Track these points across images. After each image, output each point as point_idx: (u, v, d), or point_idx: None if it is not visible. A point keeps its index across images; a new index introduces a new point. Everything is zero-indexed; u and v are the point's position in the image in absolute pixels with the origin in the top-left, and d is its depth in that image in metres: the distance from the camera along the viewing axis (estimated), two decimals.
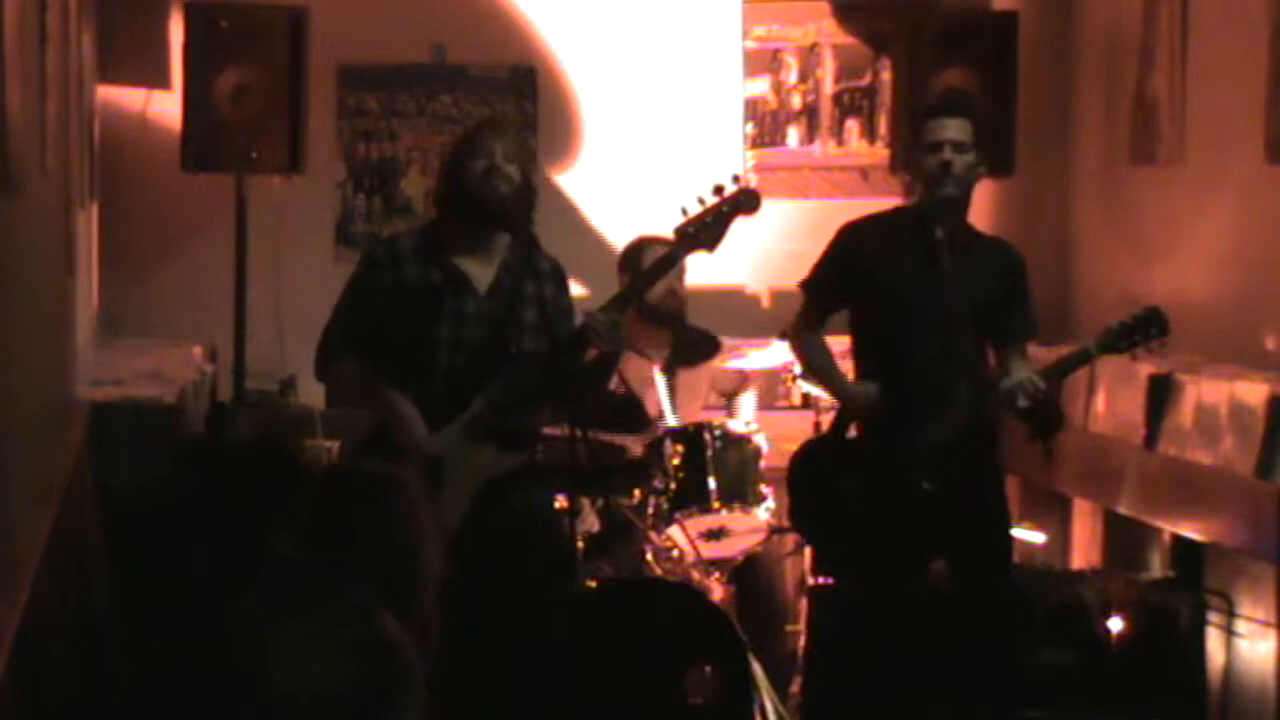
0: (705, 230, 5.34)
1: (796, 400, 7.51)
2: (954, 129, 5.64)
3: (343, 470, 5.07)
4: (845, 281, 5.81)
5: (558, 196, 8.26)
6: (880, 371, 5.77)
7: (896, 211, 5.88)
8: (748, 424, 6.76)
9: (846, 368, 5.97)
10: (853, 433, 5.84)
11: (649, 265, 5.54)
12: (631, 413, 6.68)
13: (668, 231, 5.50)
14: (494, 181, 5.31)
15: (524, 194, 5.37)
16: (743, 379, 7.17)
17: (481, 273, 5.38)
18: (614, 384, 6.75)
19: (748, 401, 7.10)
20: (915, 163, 5.73)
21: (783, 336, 6.95)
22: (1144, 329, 5.60)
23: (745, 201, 5.39)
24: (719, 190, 5.35)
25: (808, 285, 5.94)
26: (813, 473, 5.93)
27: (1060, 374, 5.83)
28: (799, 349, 6.03)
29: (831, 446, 5.87)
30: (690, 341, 6.98)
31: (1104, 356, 5.74)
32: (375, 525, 3.78)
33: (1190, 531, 6.32)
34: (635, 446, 6.59)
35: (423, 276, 5.35)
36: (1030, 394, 5.59)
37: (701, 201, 5.34)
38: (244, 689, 2.37)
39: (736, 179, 5.41)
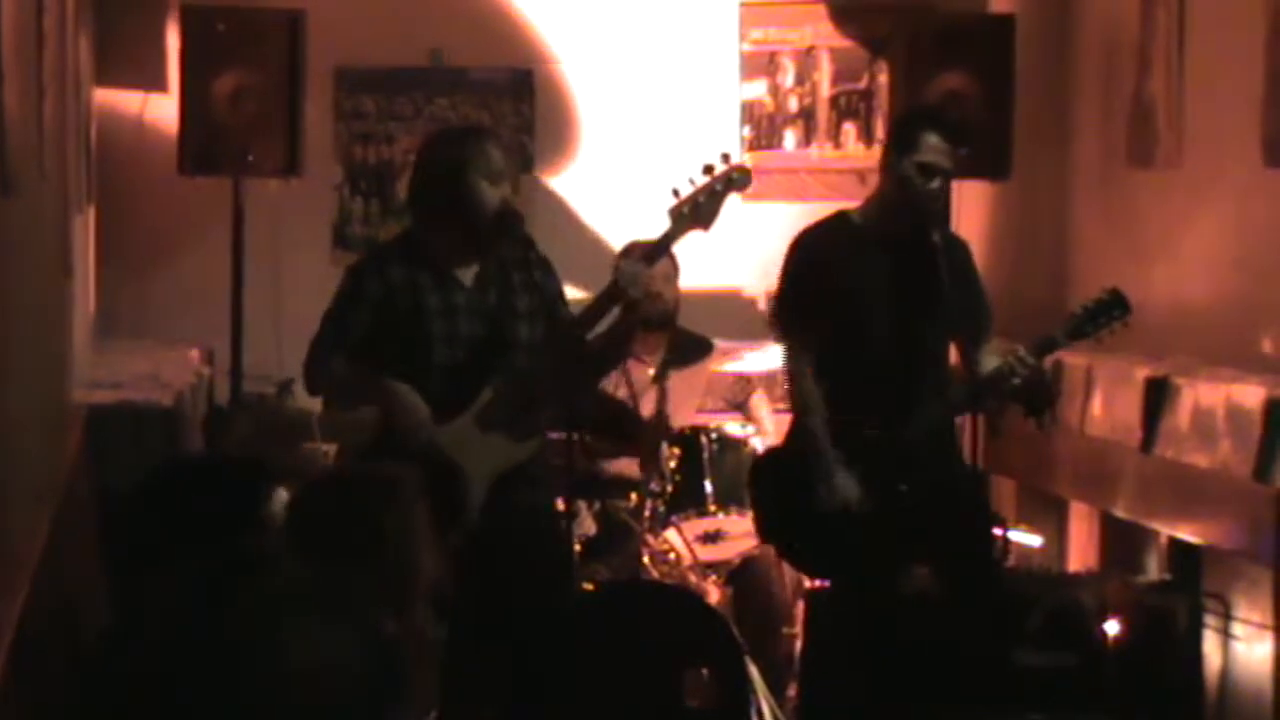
0: (698, 209, 5.36)
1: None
2: (944, 154, 5.61)
3: (341, 473, 5.06)
4: (815, 294, 5.77)
5: (555, 198, 8.28)
6: (848, 375, 5.75)
7: (842, 217, 5.83)
8: (756, 431, 6.79)
9: None
10: None
11: (647, 246, 5.51)
12: (629, 426, 6.68)
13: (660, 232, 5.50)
14: (511, 213, 5.34)
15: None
16: (747, 383, 7.16)
17: (468, 267, 5.38)
18: (615, 388, 6.75)
19: (760, 403, 7.10)
20: (896, 170, 5.68)
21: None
22: (1107, 312, 5.61)
23: (737, 179, 5.41)
24: (709, 170, 5.37)
25: (782, 317, 5.87)
26: (775, 484, 5.91)
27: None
28: (793, 388, 5.92)
29: (791, 456, 5.85)
30: (683, 344, 6.99)
31: (1070, 344, 5.75)
32: (371, 528, 3.78)
33: (1187, 534, 6.32)
34: (630, 465, 6.59)
35: (410, 278, 5.35)
36: (1021, 372, 5.60)
37: (692, 182, 5.36)
38: (248, 681, 2.38)
39: (726, 157, 5.42)
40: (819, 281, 5.75)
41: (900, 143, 5.69)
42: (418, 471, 4.52)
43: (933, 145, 5.60)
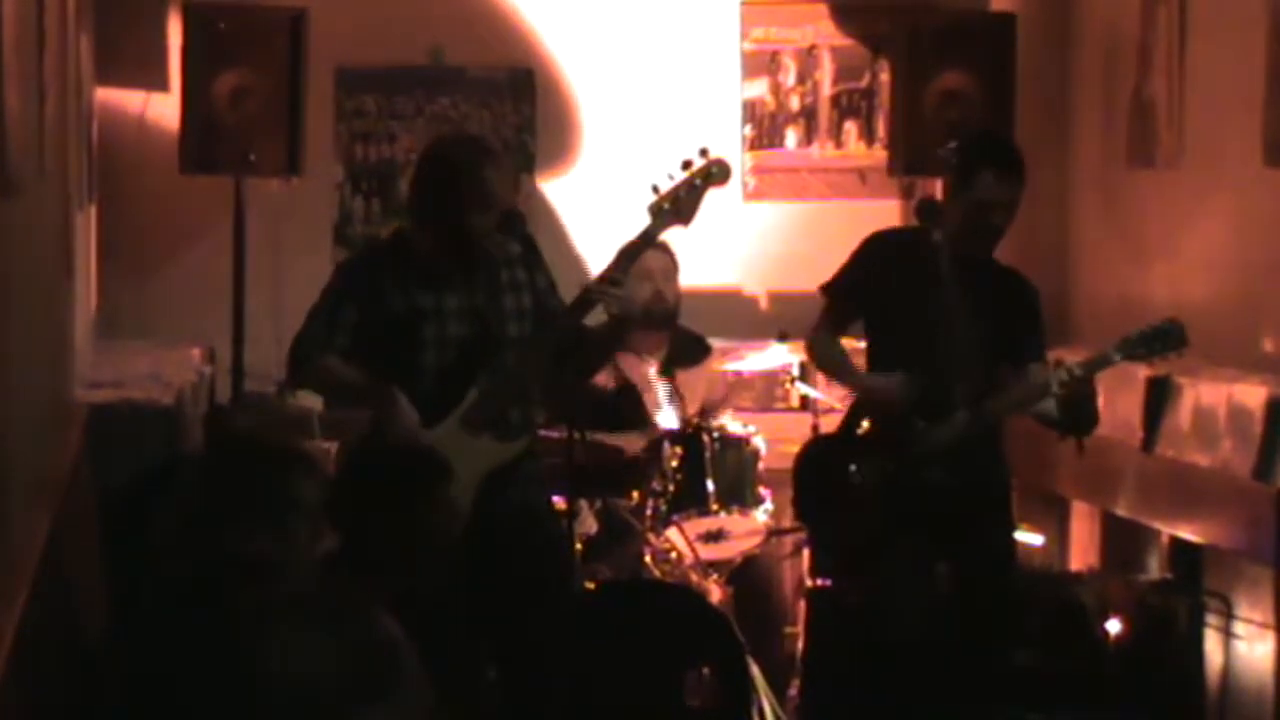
0: (679, 204, 5.38)
1: (795, 402, 7.51)
2: (1010, 192, 5.64)
3: (243, 440, 5.06)
4: (865, 290, 5.82)
5: (555, 198, 8.27)
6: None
7: (921, 231, 5.86)
8: (746, 425, 6.78)
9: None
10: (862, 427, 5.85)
11: (627, 243, 5.50)
12: (628, 406, 6.69)
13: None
14: (511, 214, 5.34)
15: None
16: (725, 397, 7.14)
17: (457, 268, 5.38)
18: (610, 380, 6.76)
19: (726, 417, 7.04)
20: (957, 204, 5.70)
21: (781, 338, 6.96)
22: (1163, 338, 5.64)
23: (716, 173, 5.43)
24: (687, 165, 5.39)
25: (830, 289, 5.93)
26: (821, 469, 5.94)
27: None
28: (812, 348, 6.02)
29: (841, 444, 5.88)
30: (683, 343, 7.00)
31: (1123, 362, 5.77)
32: (285, 497, 3.77)
33: (1188, 533, 6.32)
34: (634, 445, 6.58)
35: (401, 279, 5.36)
36: (1065, 381, 5.61)
37: (671, 177, 5.38)
38: (238, 685, 2.38)
39: (704, 152, 5.44)
40: (871, 275, 5.79)
41: (960, 177, 5.71)
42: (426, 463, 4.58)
43: (989, 183, 5.62)
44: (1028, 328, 5.83)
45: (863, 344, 5.96)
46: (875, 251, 5.88)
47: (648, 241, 5.47)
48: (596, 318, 5.49)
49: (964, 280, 5.62)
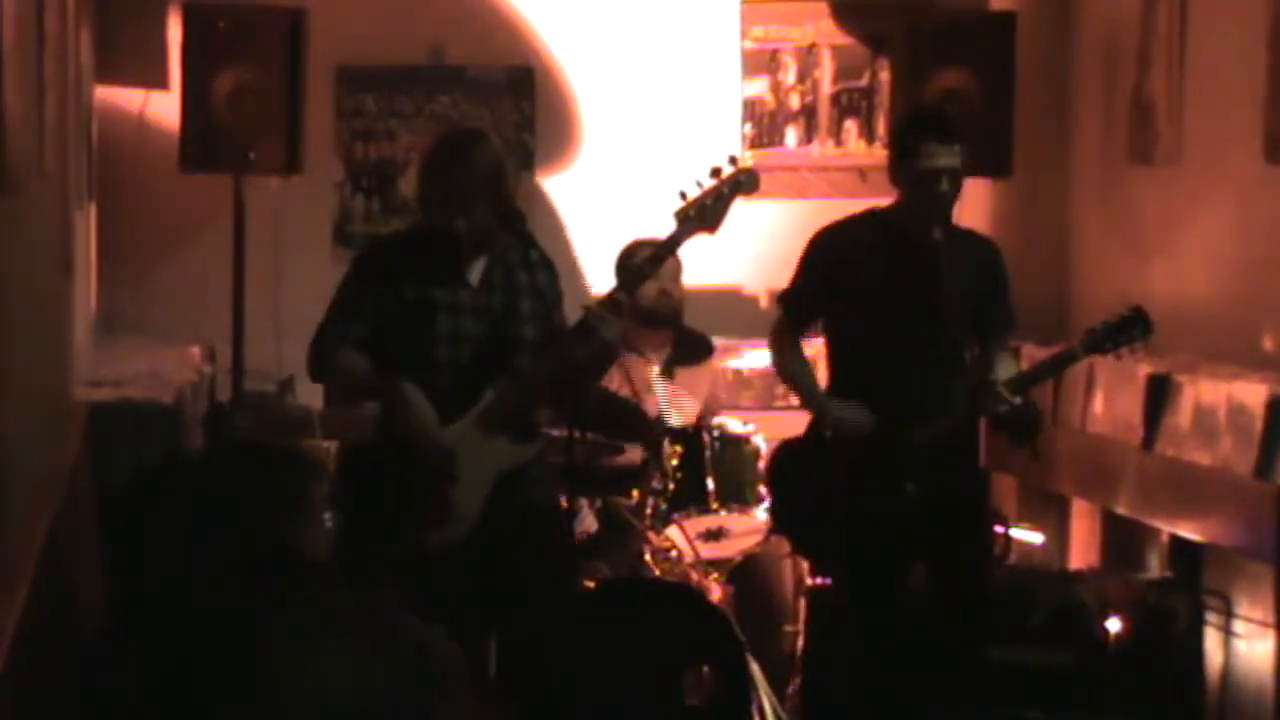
0: (705, 212, 5.36)
1: (795, 400, 7.49)
2: (948, 156, 5.59)
3: (256, 440, 5.06)
4: (827, 290, 5.79)
5: (555, 197, 8.27)
6: (864, 375, 5.75)
7: (871, 215, 5.84)
8: (746, 424, 6.78)
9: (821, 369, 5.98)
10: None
11: (650, 251, 5.50)
12: (632, 420, 6.67)
13: (664, 232, 5.50)
14: (511, 211, 5.33)
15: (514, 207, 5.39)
16: (715, 408, 7.12)
17: (474, 266, 5.38)
18: (619, 387, 6.75)
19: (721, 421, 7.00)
20: (904, 177, 5.68)
21: None
22: (1127, 329, 5.62)
23: (744, 182, 5.41)
24: (716, 172, 5.37)
25: (787, 298, 5.90)
26: (793, 474, 5.92)
27: (1044, 377, 5.85)
28: (783, 368, 5.96)
29: (808, 448, 5.86)
30: (688, 342, 7.00)
31: (1088, 358, 5.76)
32: (278, 500, 3.76)
33: (1188, 532, 6.32)
34: (635, 452, 6.58)
35: (416, 273, 5.35)
36: (999, 408, 5.60)
37: (699, 184, 5.35)
38: (271, 698, 2.37)
39: (734, 160, 5.42)
40: (829, 273, 5.76)
41: (901, 151, 5.70)
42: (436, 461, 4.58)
43: (932, 151, 5.59)
44: (996, 295, 5.79)
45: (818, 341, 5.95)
46: (828, 247, 5.83)
47: (672, 248, 5.46)
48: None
49: (913, 258, 5.60)
